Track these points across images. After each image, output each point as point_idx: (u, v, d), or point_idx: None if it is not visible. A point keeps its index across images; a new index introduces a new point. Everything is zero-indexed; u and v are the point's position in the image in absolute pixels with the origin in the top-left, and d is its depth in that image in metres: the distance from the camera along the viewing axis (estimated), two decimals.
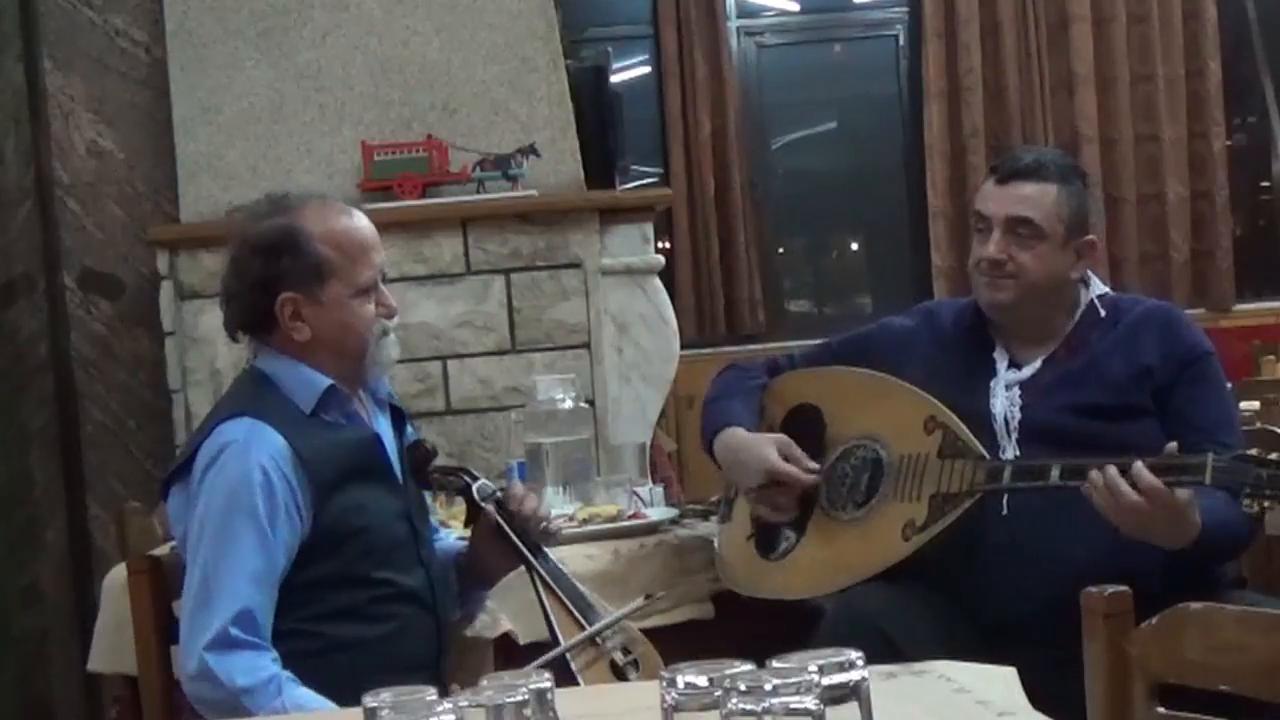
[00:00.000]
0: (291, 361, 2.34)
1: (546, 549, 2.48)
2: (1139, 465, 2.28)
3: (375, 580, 2.32)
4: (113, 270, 4.33)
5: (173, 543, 2.76)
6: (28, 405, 4.26)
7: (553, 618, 2.37)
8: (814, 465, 2.69)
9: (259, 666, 2.19)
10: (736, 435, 2.74)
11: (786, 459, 2.68)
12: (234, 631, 2.19)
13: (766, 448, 2.70)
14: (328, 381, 2.33)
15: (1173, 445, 2.33)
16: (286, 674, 2.20)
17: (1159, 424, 2.53)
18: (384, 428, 2.44)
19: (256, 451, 2.23)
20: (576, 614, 2.38)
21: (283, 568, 2.25)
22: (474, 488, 2.46)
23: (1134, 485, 2.27)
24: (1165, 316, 2.63)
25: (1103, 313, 2.63)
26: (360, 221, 2.38)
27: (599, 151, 4.22)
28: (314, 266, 2.31)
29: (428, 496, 2.58)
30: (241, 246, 2.36)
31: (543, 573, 2.42)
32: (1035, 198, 2.58)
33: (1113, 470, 2.30)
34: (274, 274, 2.31)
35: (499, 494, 2.46)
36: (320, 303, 2.32)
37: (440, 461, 2.53)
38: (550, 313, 4.04)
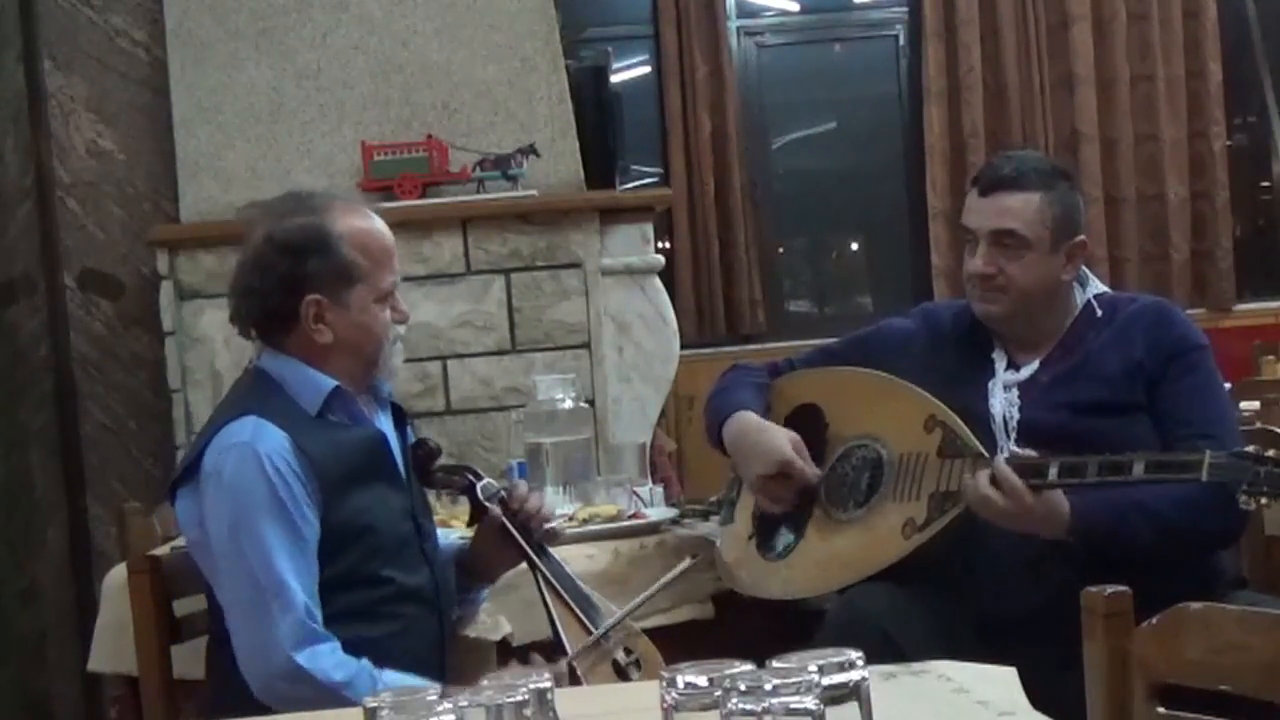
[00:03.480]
0: (297, 363, 2.31)
1: (550, 548, 2.48)
2: (998, 461, 2.38)
3: (382, 579, 2.30)
4: (113, 270, 4.33)
5: (173, 543, 2.75)
6: (28, 405, 4.25)
7: (556, 617, 2.38)
8: (816, 470, 2.71)
9: (343, 658, 2.18)
10: (752, 420, 2.75)
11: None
12: (310, 624, 2.18)
13: (782, 439, 2.71)
14: (333, 383, 2.30)
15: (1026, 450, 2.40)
16: (364, 660, 2.19)
17: (1153, 419, 2.53)
18: (387, 426, 2.43)
19: (263, 447, 2.21)
20: (579, 613, 2.38)
21: (316, 550, 2.23)
22: (478, 487, 2.47)
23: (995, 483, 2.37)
24: (1157, 311, 2.63)
25: (1099, 312, 2.63)
26: (383, 226, 2.36)
27: (599, 151, 4.22)
28: (343, 269, 2.29)
29: (430, 495, 2.58)
30: (266, 243, 2.31)
31: (546, 572, 2.42)
32: (1018, 209, 2.58)
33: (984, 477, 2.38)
34: (301, 274, 2.28)
35: (503, 493, 2.46)
36: (345, 306, 2.30)
37: (443, 461, 2.53)
38: (550, 313, 4.04)
